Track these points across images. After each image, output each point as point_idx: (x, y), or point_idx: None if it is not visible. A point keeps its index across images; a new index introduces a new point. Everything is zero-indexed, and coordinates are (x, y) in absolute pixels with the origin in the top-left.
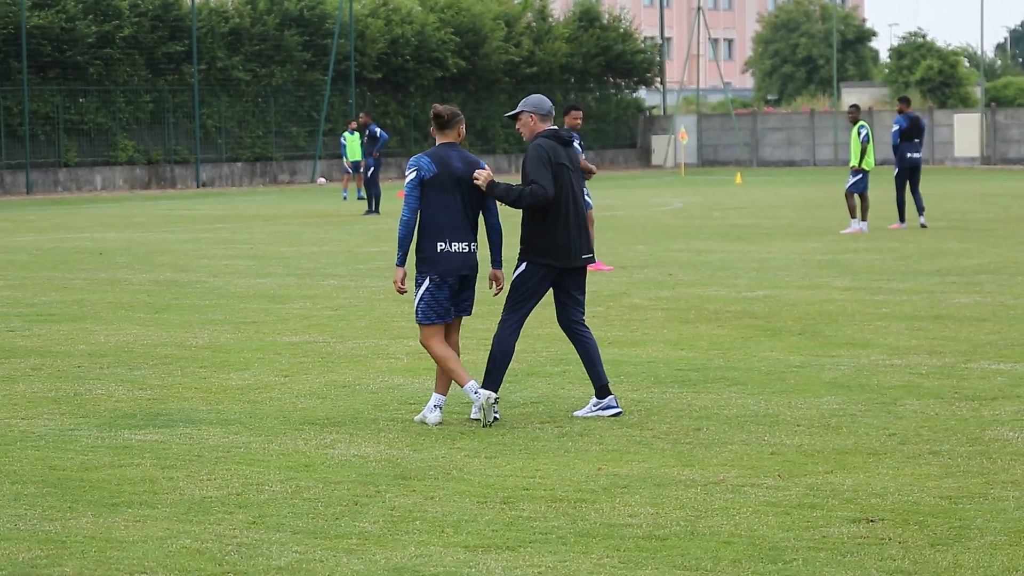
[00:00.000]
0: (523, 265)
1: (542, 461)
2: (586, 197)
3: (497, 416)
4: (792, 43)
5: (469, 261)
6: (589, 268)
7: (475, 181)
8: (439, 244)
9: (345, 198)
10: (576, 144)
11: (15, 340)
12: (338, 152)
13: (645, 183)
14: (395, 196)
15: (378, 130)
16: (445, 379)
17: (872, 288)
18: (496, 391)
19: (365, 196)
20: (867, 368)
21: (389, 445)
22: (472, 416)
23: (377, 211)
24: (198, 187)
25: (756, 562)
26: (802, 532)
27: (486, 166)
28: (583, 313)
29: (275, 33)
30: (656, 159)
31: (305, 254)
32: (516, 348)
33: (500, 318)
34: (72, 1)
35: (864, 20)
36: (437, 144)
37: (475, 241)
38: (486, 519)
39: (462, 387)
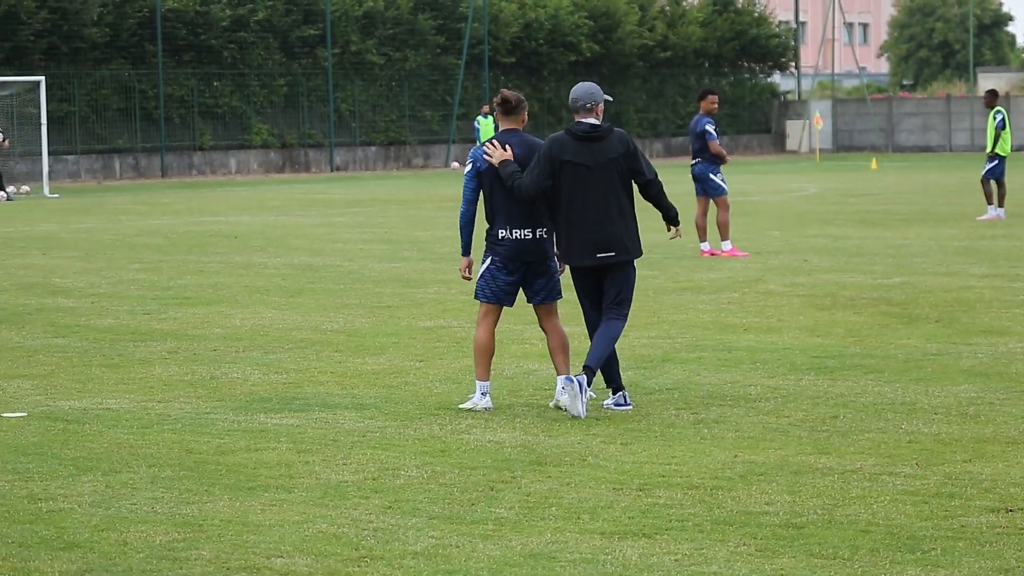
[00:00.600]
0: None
1: (678, 448)
2: (720, 182)
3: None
4: (928, 28)
5: (532, 247)
6: (724, 254)
7: (485, 157)
8: (500, 231)
9: None
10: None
11: (151, 323)
12: (471, 136)
13: (780, 168)
14: None
15: None
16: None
17: (1010, 275)
18: (614, 382)
19: None
20: (1005, 356)
21: (524, 431)
22: (464, 405)
23: None
24: (332, 171)
25: (894, 551)
26: (940, 521)
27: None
28: (618, 305)
29: (409, 17)
30: (791, 144)
31: (439, 238)
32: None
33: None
34: None
35: (1000, 4)
36: (500, 130)
37: (543, 227)
38: (622, 506)
39: (476, 381)
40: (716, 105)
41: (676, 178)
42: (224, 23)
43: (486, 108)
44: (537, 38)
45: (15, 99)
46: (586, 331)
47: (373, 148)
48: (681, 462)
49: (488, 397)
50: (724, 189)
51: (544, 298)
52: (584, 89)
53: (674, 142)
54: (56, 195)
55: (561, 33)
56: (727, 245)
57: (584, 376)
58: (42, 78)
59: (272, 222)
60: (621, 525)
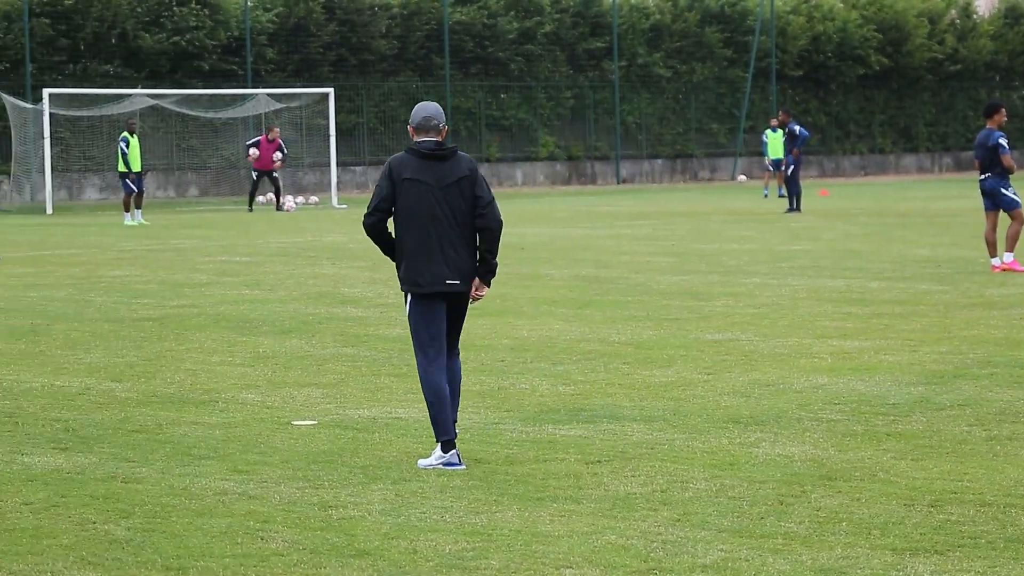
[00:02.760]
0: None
1: (970, 464)
2: (1013, 195)
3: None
4: None
5: None
6: (1003, 267)
7: None
8: None
9: (766, 196)
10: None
11: None
12: (758, 149)
13: None
14: (816, 194)
15: (797, 128)
16: None
17: None
18: (442, 439)
19: (786, 194)
20: None
21: (814, 445)
22: None
23: (799, 209)
24: (618, 183)
25: None
26: None
27: None
28: (454, 338)
29: (696, 30)
30: None
31: (727, 251)
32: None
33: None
34: None
35: None
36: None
37: None
38: (913, 522)
39: None
40: (1004, 119)
41: (965, 193)
42: (511, 36)
43: (774, 121)
44: (825, 51)
45: (304, 111)
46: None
47: (659, 161)
48: (973, 479)
49: None
50: (1018, 202)
51: None
52: (420, 106)
53: (964, 156)
54: (344, 206)
55: (849, 46)
56: (1008, 257)
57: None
58: (331, 90)
59: (559, 234)
60: (912, 541)
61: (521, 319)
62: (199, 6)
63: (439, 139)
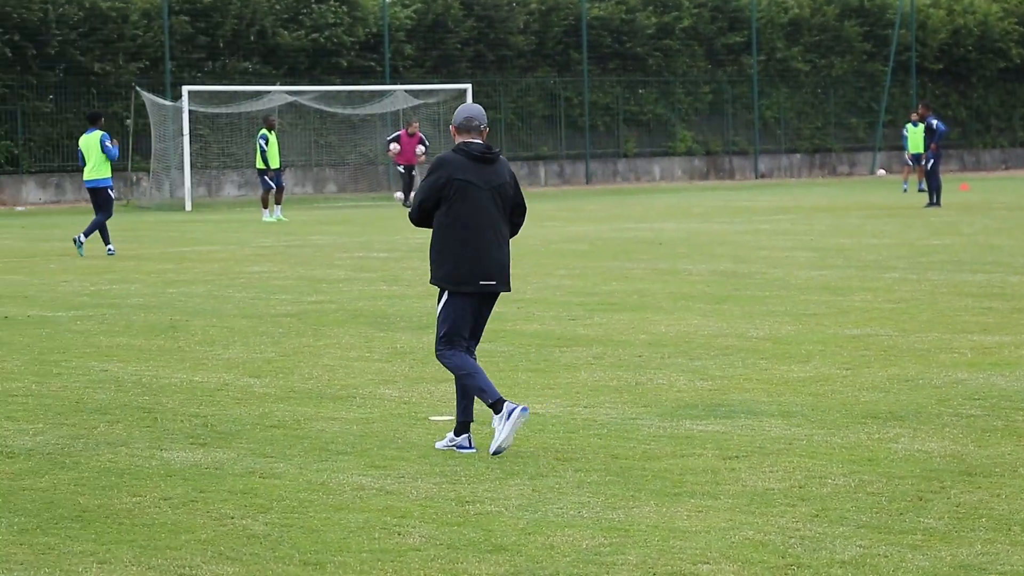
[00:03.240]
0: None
1: None
2: None
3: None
4: None
5: None
6: None
7: None
8: None
9: (905, 190)
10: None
11: (576, 328)
12: (898, 144)
13: None
14: (956, 189)
15: (935, 122)
16: None
17: None
18: (461, 420)
19: (926, 188)
20: None
21: (953, 440)
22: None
23: (938, 203)
24: (756, 178)
25: None
26: None
27: None
28: (478, 338)
29: (835, 24)
30: None
31: (865, 246)
32: None
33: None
34: None
35: None
36: None
37: None
38: None
39: None
40: None
41: None
42: (649, 31)
43: (915, 116)
44: (966, 44)
45: (442, 107)
46: None
47: (798, 155)
48: None
49: None
50: None
51: None
52: (463, 107)
53: None
54: None
55: (990, 39)
56: None
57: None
58: (468, 86)
59: (696, 229)
60: None
61: (659, 314)
62: (338, 3)
63: (480, 140)
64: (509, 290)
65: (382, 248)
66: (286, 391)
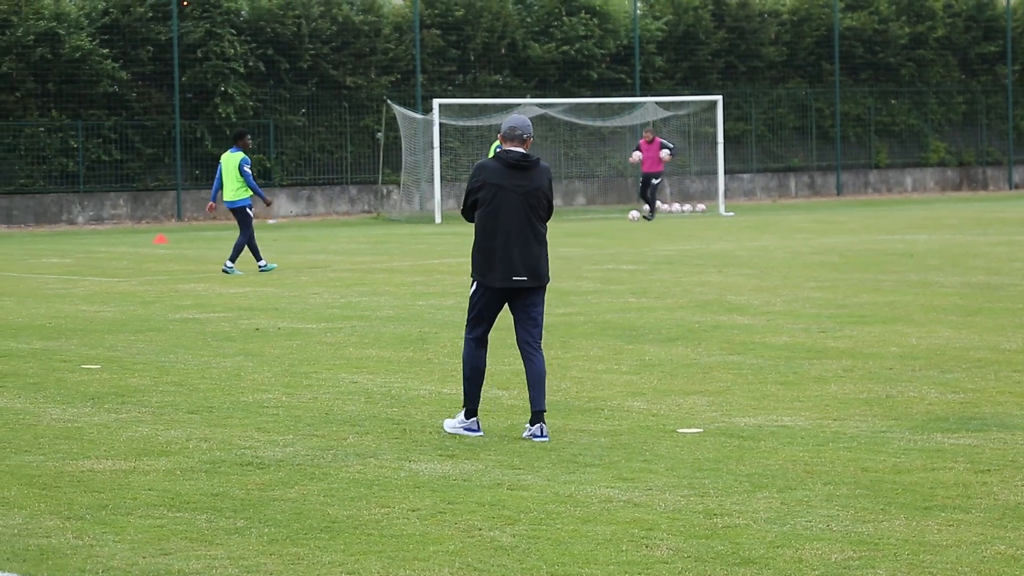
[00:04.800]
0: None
1: None
2: None
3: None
4: None
5: None
6: None
7: None
8: None
9: None
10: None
11: (826, 341)
12: None
13: None
14: None
15: None
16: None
17: None
18: (468, 407)
19: None
20: None
21: None
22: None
23: None
24: (1010, 189)
25: None
26: None
27: None
28: (535, 335)
29: None
30: None
31: None
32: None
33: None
34: (885, 2)
35: None
36: None
37: None
38: None
39: None
40: None
41: None
42: (902, 40)
43: None
44: None
45: (692, 118)
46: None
47: None
48: None
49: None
50: None
51: None
52: (510, 118)
53: None
54: (731, 213)
55: None
56: None
57: (541, 424)
58: (719, 97)
59: (949, 240)
60: None
61: (910, 326)
62: (588, 16)
63: (523, 148)
64: (539, 285)
65: (631, 260)
66: None
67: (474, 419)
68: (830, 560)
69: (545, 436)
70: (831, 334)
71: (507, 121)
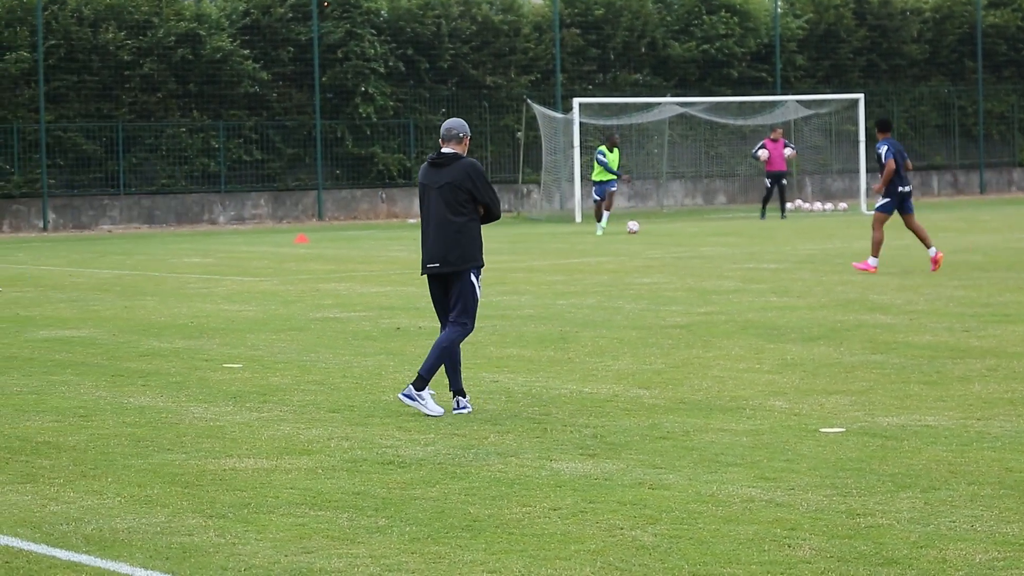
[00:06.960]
0: None
1: None
2: None
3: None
4: None
5: None
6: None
7: None
8: None
9: None
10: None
11: (970, 340)
12: None
13: None
14: None
15: None
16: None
17: None
18: (453, 387)
19: None
20: None
21: None
22: None
23: None
24: None
25: None
26: None
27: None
28: (456, 311)
29: None
30: None
31: None
32: None
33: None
34: None
35: None
36: None
37: None
38: None
39: None
40: None
41: None
42: None
43: None
44: None
45: (833, 117)
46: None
47: None
48: None
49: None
50: None
51: None
52: (448, 123)
53: None
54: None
55: None
56: None
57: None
58: (861, 95)
59: None
60: None
61: None
62: (728, 14)
63: (459, 149)
64: (453, 271)
65: (772, 259)
66: (675, 402)
67: (459, 398)
68: (974, 561)
69: (411, 399)
70: (975, 333)
71: (444, 124)
